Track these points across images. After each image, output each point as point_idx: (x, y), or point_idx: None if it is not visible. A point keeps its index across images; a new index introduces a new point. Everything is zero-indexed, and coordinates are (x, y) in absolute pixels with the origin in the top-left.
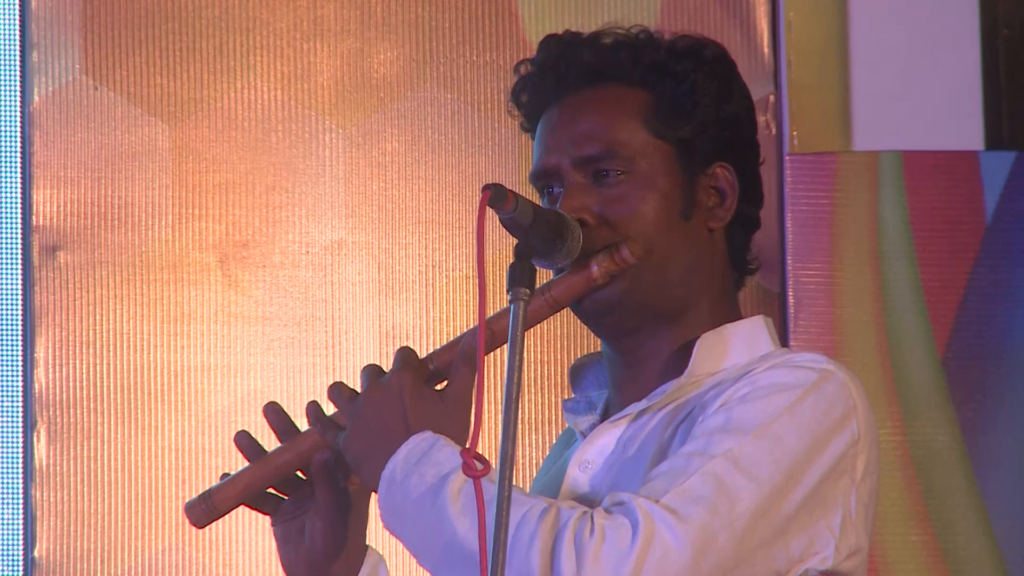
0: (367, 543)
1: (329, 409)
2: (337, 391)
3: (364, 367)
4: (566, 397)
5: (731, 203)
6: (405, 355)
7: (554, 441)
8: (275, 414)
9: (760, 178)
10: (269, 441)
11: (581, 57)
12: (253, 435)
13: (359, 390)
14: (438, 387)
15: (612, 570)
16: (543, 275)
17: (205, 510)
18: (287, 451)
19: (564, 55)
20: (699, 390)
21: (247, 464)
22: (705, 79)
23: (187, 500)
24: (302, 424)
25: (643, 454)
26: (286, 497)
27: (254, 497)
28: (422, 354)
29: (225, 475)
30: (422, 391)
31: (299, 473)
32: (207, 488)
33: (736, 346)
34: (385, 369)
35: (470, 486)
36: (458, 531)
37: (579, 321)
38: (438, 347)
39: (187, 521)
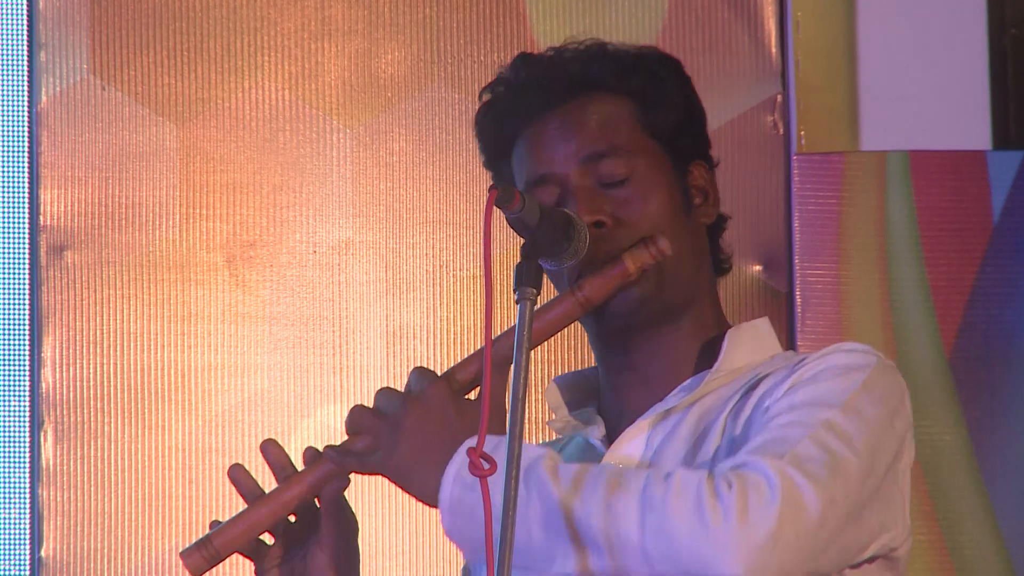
0: None
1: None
2: (360, 414)
3: (380, 390)
4: None
5: (713, 200)
6: (428, 372)
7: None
8: (273, 452)
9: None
10: (265, 478)
11: (563, 71)
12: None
13: (369, 415)
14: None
15: (758, 523)
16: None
17: (207, 556)
18: (294, 485)
19: (545, 72)
20: (729, 385)
21: (246, 506)
22: (674, 80)
23: (182, 548)
24: (298, 460)
25: (681, 450)
26: (272, 541)
27: (257, 537)
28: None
29: (215, 523)
30: (461, 402)
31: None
32: (203, 535)
33: (762, 341)
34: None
35: (565, 467)
36: (564, 503)
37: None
38: (454, 364)
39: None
